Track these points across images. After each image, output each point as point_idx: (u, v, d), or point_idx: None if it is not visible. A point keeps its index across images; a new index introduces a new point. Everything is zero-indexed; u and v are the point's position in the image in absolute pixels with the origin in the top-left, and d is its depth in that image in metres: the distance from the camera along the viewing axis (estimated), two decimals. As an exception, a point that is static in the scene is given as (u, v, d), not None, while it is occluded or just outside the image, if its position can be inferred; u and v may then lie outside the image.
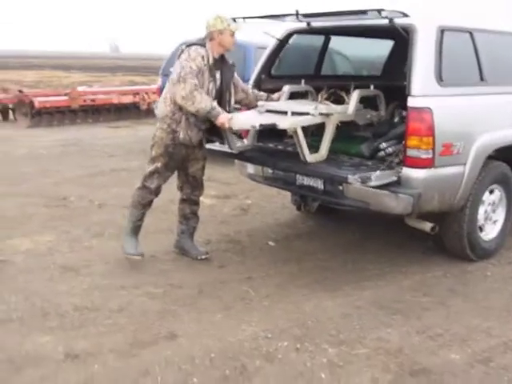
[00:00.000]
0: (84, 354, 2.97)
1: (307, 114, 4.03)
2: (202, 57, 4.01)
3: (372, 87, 4.57)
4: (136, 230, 4.26)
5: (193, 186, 4.40)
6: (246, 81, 5.25)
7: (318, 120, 4.10)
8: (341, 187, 4.07)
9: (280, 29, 4.94)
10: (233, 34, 4.15)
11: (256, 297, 3.73)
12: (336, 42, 5.65)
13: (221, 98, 4.16)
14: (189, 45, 4.09)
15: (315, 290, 3.87)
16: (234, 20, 4.44)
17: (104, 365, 2.89)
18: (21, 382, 2.74)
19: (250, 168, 4.80)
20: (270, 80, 4.86)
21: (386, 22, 3.91)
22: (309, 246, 4.74)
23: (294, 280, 4.02)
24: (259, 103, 4.29)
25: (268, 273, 4.14)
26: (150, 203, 4.25)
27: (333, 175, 4.00)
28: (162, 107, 4.12)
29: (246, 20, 4.40)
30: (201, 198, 4.55)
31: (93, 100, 12.30)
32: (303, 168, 4.20)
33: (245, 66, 7.50)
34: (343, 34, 5.54)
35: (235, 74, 4.32)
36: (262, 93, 4.55)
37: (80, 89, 12.84)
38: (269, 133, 5.05)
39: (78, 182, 6.70)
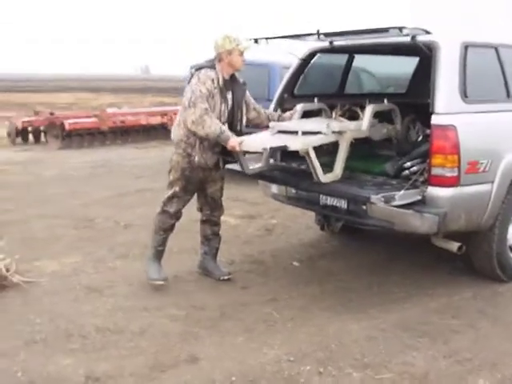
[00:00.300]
0: (105, 377, 2.97)
1: (319, 132, 3.97)
2: (212, 80, 4.00)
3: (386, 101, 4.51)
4: (158, 254, 4.26)
5: (212, 207, 4.37)
6: (270, 100, 5.27)
7: (330, 139, 4.05)
8: (364, 207, 4.01)
9: (304, 48, 4.95)
10: (242, 54, 4.11)
11: (279, 319, 3.68)
12: (360, 60, 5.63)
13: (233, 117, 4.16)
14: (198, 68, 4.08)
15: (339, 312, 3.80)
16: (256, 41, 4.46)
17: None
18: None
19: (274, 188, 4.78)
20: (292, 99, 4.85)
21: (408, 39, 3.88)
22: (333, 266, 4.68)
23: (318, 302, 3.96)
24: (270, 124, 4.24)
25: (291, 295, 4.09)
26: (171, 227, 4.25)
27: (356, 195, 3.94)
28: (176, 132, 4.13)
29: (270, 40, 4.43)
30: (225, 218, 4.54)
31: (122, 121, 12.49)
32: (326, 188, 4.16)
33: (269, 85, 7.55)
34: (366, 52, 5.51)
35: (247, 93, 4.32)
36: (273, 112, 4.54)
37: (109, 110, 13.07)
38: (291, 152, 5.06)
39: (106, 203, 6.77)
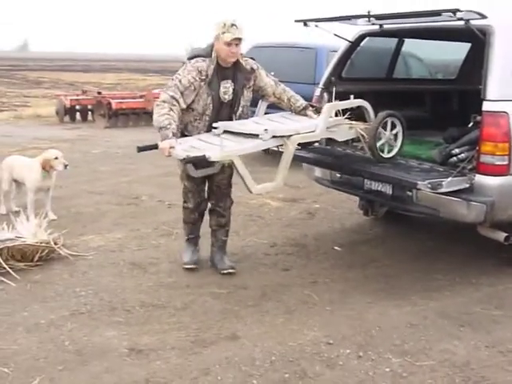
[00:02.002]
0: (147, 350, 3.04)
1: (257, 136, 3.60)
2: (200, 71, 3.77)
3: (352, 97, 4.17)
4: (191, 241, 4.25)
5: (217, 197, 4.16)
6: (316, 84, 5.23)
7: (270, 144, 3.67)
8: (410, 193, 3.97)
9: (352, 31, 4.89)
10: (228, 44, 3.75)
11: (319, 302, 3.69)
12: (408, 45, 5.52)
13: (231, 107, 3.92)
14: (191, 57, 3.88)
15: (380, 298, 3.78)
16: (305, 23, 4.42)
17: (166, 361, 2.95)
18: (87, 373, 2.83)
19: (318, 172, 4.78)
20: (340, 82, 4.80)
21: (461, 23, 3.78)
22: (375, 252, 4.65)
23: (359, 286, 3.95)
24: (217, 124, 3.80)
25: (332, 278, 4.09)
26: (197, 220, 4.20)
27: (402, 180, 3.89)
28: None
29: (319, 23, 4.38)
30: (267, 201, 4.56)
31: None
32: (371, 172, 4.13)
33: (316, 69, 7.48)
34: (417, 37, 5.40)
35: (263, 79, 4.03)
36: (299, 102, 4.09)
37: (155, 91, 13.21)
38: None
39: (151, 182, 6.88)
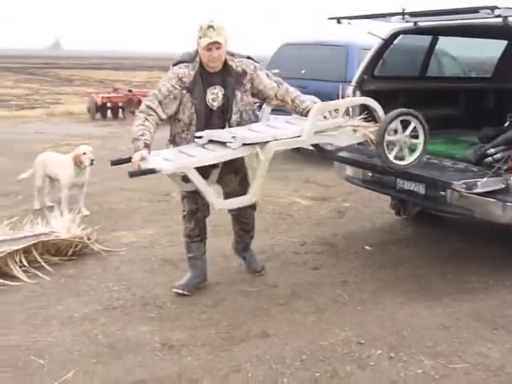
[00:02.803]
0: (179, 345, 3.07)
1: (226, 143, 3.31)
2: (180, 78, 3.48)
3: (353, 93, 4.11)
4: (191, 262, 3.88)
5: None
6: (347, 81, 5.19)
7: (240, 153, 3.32)
8: (443, 193, 3.92)
9: (386, 29, 4.84)
10: (207, 49, 3.43)
11: (350, 301, 3.67)
12: (443, 42, 5.45)
13: (223, 114, 3.58)
14: (175, 63, 3.59)
15: (412, 298, 3.74)
16: (339, 21, 4.39)
17: (197, 357, 2.97)
18: (120, 366, 2.87)
19: (349, 170, 4.75)
20: (372, 81, 4.77)
21: (499, 20, 3.71)
22: (406, 252, 4.59)
23: (390, 287, 3.91)
24: (201, 133, 3.47)
25: (362, 278, 4.06)
26: (196, 233, 3.84)
27: (436, 180, 3.85)
28: None
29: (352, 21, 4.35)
30: (296, 199, 4.55)
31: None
32: (404, 171, 4.08)
33: (347, 67, 7.44)
34: (452, 34, 5.33)
35: (263, 81, 3.66)
36: (304, 104, 3.70)
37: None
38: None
39: (180, 179, 6.92)
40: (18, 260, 3.95)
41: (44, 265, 4.02)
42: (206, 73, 3.54)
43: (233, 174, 3.76)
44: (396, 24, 4.68)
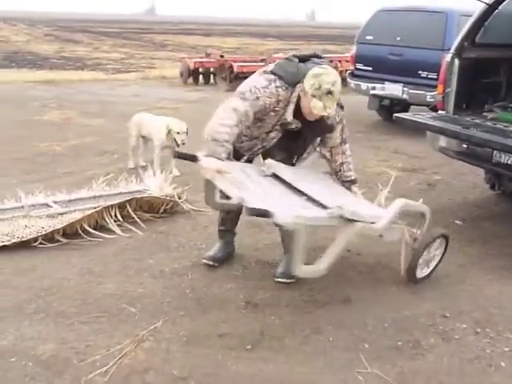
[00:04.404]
0: (263, 305, 3.15)
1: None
2: (279, 101, 3.15)
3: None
4: (221, 234, 3.80)
5: None
6: (445, 50, 4.97)
7: (329, 222, 2.95)
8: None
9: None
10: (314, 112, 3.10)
11: (435, 274, 3.60)
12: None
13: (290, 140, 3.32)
14: (275, 73, 3.17)
15: (502, 275, 3.62)
16: None
17: (279, 317, 3.04)
18: (206, 320, 3.00)
19: (443, 141, 4.59)
20: (472, 48, 4.55)
21: None
22: (499, 228, 4.42)
23: (479, 262, 3.80)
24: (268, 162, 3.26)
25: (451, 251, 3.94)
26: (232, 210, 3.65)
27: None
28: None
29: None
30: (385, 169, 4.46)
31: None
32: (503, 143, 3.90)
33: (446, 34, 7.12)
34: None
35: (336, 133, 3.39)
36: (349, 174, 3.51)
37: (276, 55, 13.25)
38: (467, 104, 4.79)
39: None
40: (113, 214, 4.18)
41: (137, 220, 4.22)
42: (298, 112, 3.21)
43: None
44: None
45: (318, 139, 3.46)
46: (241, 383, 2.53)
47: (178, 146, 5.17)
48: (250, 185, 3.04)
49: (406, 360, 2.73)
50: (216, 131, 2.98)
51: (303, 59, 3.26)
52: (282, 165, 3.30)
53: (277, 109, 3.15)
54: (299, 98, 3.15)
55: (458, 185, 5.49)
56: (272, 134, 3.25)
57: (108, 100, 10.36)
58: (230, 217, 3.72)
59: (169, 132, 5.29)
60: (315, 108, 3.08)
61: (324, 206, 2.97)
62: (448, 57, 4.62)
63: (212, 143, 2.97)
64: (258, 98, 3.08)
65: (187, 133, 5.29)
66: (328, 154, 3.49)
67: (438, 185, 5.50)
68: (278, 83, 3.13)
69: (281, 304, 3.16)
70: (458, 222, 4.54)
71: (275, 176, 3.24)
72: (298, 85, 3.14)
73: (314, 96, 3.06)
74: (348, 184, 3.54)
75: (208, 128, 3.02)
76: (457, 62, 4.57)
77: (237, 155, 3.38)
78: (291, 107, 3.16)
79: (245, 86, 3.16)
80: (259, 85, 3.12)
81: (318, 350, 2.78)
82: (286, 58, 3.28)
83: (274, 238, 4.06)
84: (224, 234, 3.77)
